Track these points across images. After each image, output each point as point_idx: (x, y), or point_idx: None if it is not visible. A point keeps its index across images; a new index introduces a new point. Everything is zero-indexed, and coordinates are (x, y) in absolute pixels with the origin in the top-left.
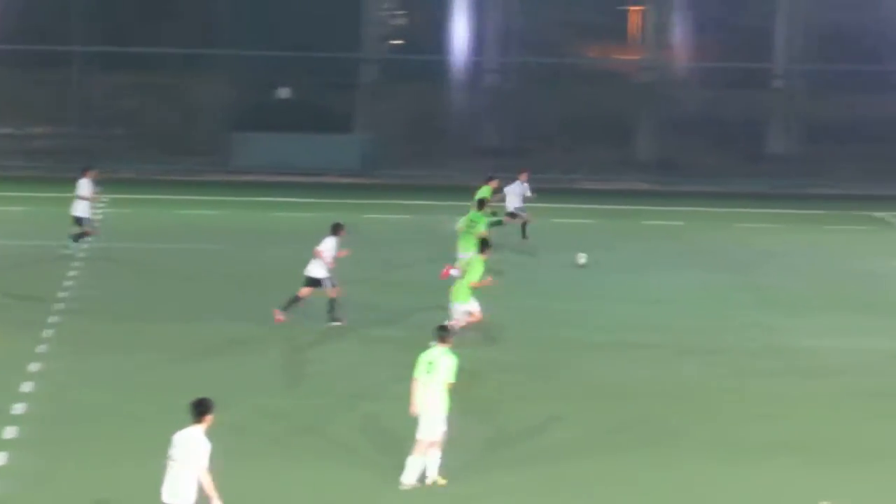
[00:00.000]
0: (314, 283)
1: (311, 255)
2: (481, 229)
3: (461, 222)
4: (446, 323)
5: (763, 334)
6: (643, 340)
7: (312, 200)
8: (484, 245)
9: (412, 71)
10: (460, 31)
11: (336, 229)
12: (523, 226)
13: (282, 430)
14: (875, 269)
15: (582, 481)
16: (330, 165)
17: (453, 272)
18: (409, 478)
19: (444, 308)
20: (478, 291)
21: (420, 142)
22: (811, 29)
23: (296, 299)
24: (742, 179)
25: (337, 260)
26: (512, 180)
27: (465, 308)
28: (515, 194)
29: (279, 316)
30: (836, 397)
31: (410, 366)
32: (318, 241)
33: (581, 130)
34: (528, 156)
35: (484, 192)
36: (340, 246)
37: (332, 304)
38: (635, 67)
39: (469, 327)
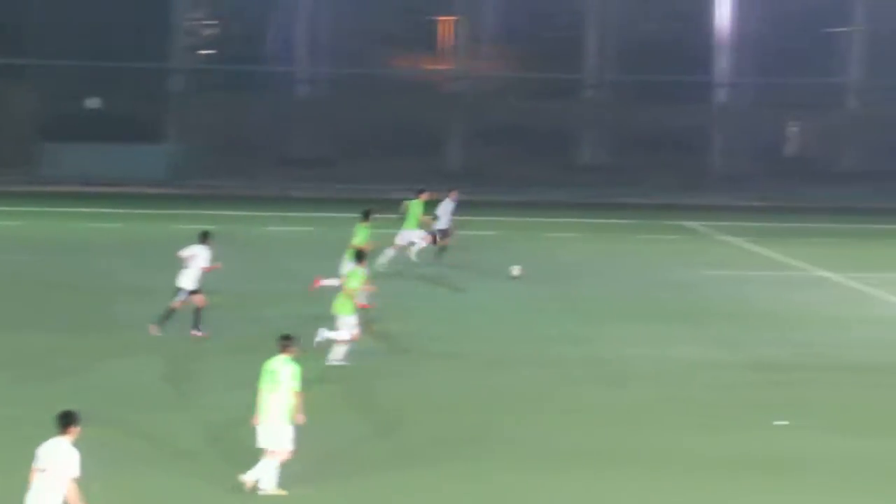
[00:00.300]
0: (192, 291)
1: (180, 265)
2: (361, 242)
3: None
4: (330, 336)
5: (575, 343)
6: (459, 350)
7: (120, 211)
8: (360, 256)
9: (222, 81)
10: (271, 41)
11: (204, 238)
12: (441, 245)
13: (138, 443)
14: (685, 279)
15: (388, 493)
16: (138, 176)
17: (325, 282)
18: (251, 475)
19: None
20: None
21: (230, 152)
22: (621, 40)
23: (197, 312)
24: (553, 189)
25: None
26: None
27: (351, 320)
28: (446, 213)
29: (193, 332)
30: (646, 406)
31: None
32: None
33: (391, 140)
34: (338, 166)
35: (416, 206)
36: (211, 255)
37: (168, 313)
38: (445, 77)
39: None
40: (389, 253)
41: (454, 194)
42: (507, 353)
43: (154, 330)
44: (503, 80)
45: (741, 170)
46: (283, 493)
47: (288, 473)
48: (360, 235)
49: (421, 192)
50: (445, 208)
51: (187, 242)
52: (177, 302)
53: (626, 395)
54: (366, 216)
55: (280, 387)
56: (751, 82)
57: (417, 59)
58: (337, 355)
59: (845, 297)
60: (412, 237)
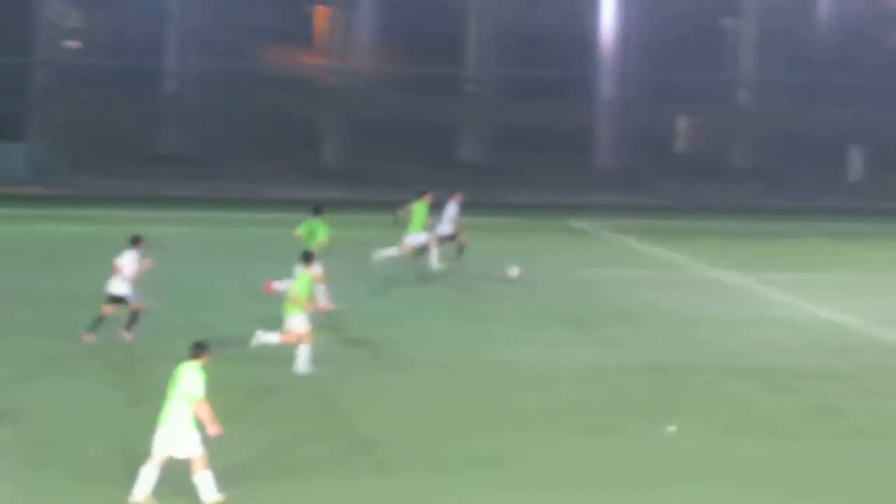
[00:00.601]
0: (117, 300)
1: (112, 270)
2: (322, 238)
3: (301, 229)
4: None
5: (465, 347)
6: (344, 355)
7: None
8: (309, 257)
9: (89, 75)
10: (139, 34)
11: (135, 241)
12: (460, 247)
13: (39, 449)
14: (573, 280)
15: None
16: (0, 175)
17: (277, 286)
18: (139, 491)
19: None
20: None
21: (97, 149)
22: (503, 33)
23: (99, 319)
24: (433, 187)
25: (140, 274)
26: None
27: (294, 321)
28: (449, 216)
29: (87, 337)
30: (536, 411)
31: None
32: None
33: (266, 137)
34: (210, 164)
35: (420, 208)
36: (142, 258)
37: (133, 317)
38: (322, 72)
39: (292, 343)
40: (391, 251)
41: (458, 196)
42: (397, 356)
43: (128, 337)
44: (381, 75)
45: (629, 167)
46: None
47: (185, 481)
48: (321, 232)
49: (423, 193)
50: (450, 212)
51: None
52: (136, 305)
53: (521, 399)
54: (318, 211)
55: (183, 393)
56: (638, 77)
57: (292, 52)
58: (302, 363)
59: (739, 297)
60: (417, 241)
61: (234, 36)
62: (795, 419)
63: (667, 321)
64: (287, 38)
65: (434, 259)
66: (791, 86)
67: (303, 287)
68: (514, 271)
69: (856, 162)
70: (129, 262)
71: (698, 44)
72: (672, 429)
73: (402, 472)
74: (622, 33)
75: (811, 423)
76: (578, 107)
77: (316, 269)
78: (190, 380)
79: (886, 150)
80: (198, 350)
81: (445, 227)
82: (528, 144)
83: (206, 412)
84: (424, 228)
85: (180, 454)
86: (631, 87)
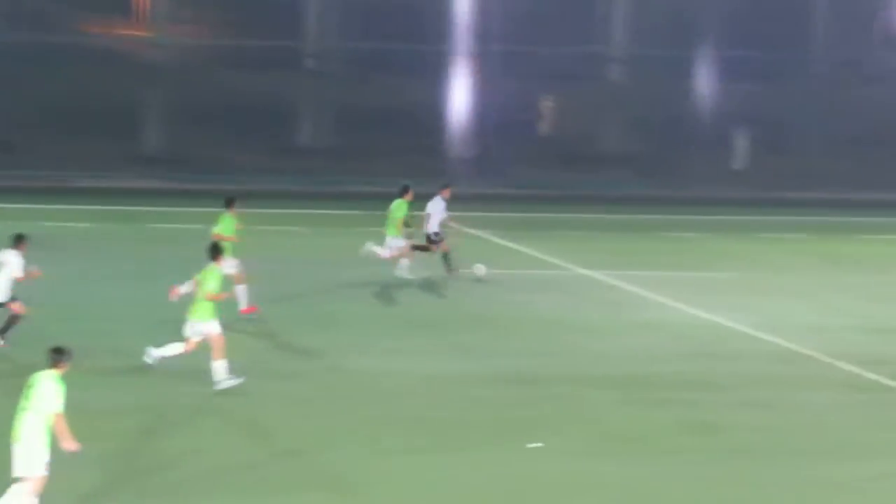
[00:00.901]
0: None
1: None
2: (226, 231)
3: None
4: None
5: (302, 356)
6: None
7: None
8: (216, 250)
9: None
10: None
11: (17, 242)
12: (445, 256)
13: None
14: (422, 279)
15: None
16: None
17: (182, 289)
18: (7, 497)
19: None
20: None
21: None
22: (348, 2)
23: (12, 319)
24: (268, 176)
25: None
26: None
27: (205, 327)
28: (437, 214)
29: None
30: (382, 425)
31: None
32: None
33: (76, 119)
34: (12, 150)
35: (399, 207)
36: (25, 261)
37: (9, 323)
38: (141, 45)
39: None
40: (404, 263)
41: (447, 192)
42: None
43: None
44: (209, 49)
45: (486, 152)
46: None
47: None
48: (225, 224)
49: (405, 190)
50: (436, 209)
51: None
52: (16, 307)
53: (358, 412)
54: (229, 204)
55: (38, 405)
56: (497, 51)
57: (108, 23)
58: (220, 375)
59: (608, 298)
60: (397, 244)
61: (43, 4)
62: (667, 435)
63: (528, 326)
64: (103, 7)
65: (404, 266)
66: (669, 60)
67: (215, 283)
68: (479, 270)
69: (741, 146)
70: (13, 264)
71: (565, 14)
72: (535, 445)
73: (220, 498)
74: (479, 3)
75: (684, 440)
76: (430, 84)
77: (230, 267)
78: (46, 391)
79: (775, 132)
80: (57, 357)
81: (432, 225)
82: (375, 127)
83: (62, 427)
84: (404, 231)
85: (20, 471)
86: (489, 63)
